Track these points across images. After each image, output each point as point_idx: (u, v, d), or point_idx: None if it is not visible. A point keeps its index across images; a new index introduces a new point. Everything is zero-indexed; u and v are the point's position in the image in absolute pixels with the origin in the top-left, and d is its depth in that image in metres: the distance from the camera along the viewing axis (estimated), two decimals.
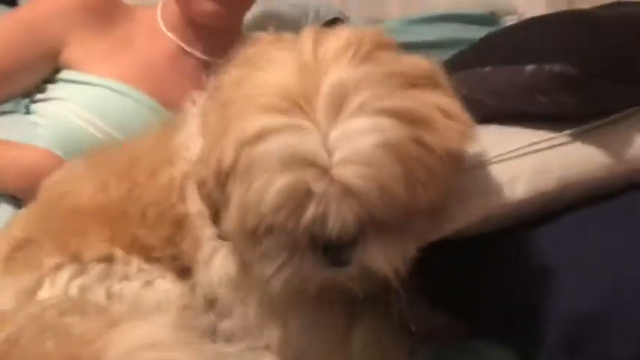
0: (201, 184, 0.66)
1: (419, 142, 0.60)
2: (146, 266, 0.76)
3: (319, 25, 1.71)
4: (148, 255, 0.77)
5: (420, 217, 0.63)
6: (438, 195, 0.62)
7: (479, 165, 0.73)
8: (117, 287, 0.74)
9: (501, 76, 0.80)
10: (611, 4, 1.01)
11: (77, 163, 0.89)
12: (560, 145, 0.76)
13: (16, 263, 0.77)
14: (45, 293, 0.74)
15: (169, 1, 1.18)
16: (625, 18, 0.82)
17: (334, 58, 0.62)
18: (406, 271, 0.63)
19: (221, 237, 0.69)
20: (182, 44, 1.18)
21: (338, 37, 0.64)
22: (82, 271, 0.75)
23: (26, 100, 1.19)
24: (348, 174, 0.56)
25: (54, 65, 1.16)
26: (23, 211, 0.88)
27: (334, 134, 0.58)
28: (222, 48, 1.12)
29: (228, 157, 0.61)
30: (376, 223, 0.60)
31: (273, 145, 0.58)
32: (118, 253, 0.77)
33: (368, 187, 0.57)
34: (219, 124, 0.64)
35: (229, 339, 0.73)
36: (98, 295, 0.74)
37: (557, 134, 0.77)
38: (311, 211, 0.57)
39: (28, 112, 1.17)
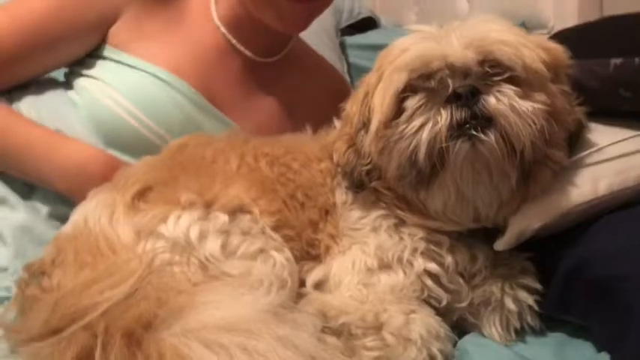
0: (343, 137, 0.82)
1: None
2: (272, 233, 0.76)
3: (353, 22, 1.75)
4: (283, 229, 0.78)
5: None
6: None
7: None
8: (234, 241, 0.73)
9: (584, 68, 0.81)
10: None
11: (218, 137, 0.93)
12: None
13: (145, 203, 0.76)
14: (167, 228, 0.73)
15: None
16: None
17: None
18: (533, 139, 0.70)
19: (358, 184, 0.80)
20: (233, 40, 1.10)
21: None
22: (206, 216, 0.74)
23: (66, 70, 1.13)
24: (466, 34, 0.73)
25: (102, 36, 1.07)
26: (132, 168, 0.87)
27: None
28: (273, 49, 1.13)
29: (373, 78, 0.79)
30: (504, 73, 0.71)
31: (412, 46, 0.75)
32: (254, 209, 0.77)
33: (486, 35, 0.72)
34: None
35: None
36: (213, 245, 0.72)
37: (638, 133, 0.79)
38: (438, 54, 0.71)
39: (67, 82, 1.10)
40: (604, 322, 0.70)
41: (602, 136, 0.80)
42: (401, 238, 0.78)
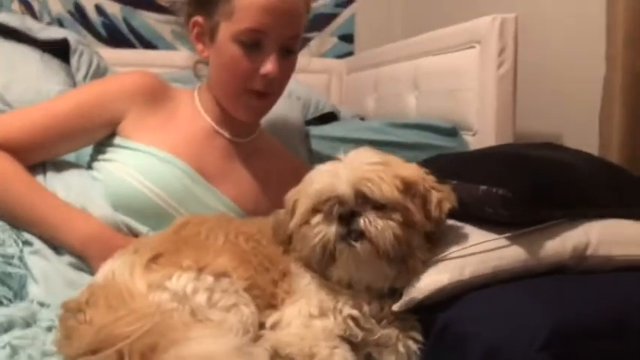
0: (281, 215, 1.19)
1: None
2: (243, 293, 1.08)
3: (317, 115, 2.12)
4: (253, 289, 1.09)
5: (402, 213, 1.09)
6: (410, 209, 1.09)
7: (442, 257, 1.13)
8: (216, 297, 1.05)
9: (463, 189, 1.18)
10: (545, 144, 1.43)
11: (204, 219, 1.24)
12: (496, 245, 1.14)
13: (156, 265, 1.07)
14: (171, 283, 1.03)
15: (206, 91, 1.50)
16: (551, 161, 1.22)
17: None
18: (392, 244, 1.06)
19: (285, 249, 1.16)
20: (215, 125, 1.47)
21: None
22: (198, 277, 1.06)
23: (87, 159, 1.49)
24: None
25: (110, 131, 1.42)
26: (149, 239, 1.21)
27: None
28: (245, 131, 1.55)
29: (298, 194, 1.14)
30: (373, 205, 1.07)
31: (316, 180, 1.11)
32: (233, 275, 1.09)
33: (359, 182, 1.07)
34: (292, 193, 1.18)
35: None
36: (201, 298, 1.02)
37: (496, 236, 1.15)
38: (330, 190, 1.08)
39: (90, 167, 1.45)
40: None
41: (472, 237, 1.16)
42: (336, 296, 1.11)
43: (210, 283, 1.06)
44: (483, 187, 1.15)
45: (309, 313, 1.09)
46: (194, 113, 1.48)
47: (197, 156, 1.42)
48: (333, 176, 1.09)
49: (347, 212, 1.06)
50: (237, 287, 1.08)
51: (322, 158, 1.82)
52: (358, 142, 1.82)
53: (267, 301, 1.12)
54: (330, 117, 2.20)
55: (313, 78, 2.66)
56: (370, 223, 1.06)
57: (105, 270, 1.12)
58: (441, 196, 1.14)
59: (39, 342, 1.00)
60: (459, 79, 2.00)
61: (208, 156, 1.44)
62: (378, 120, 2.18)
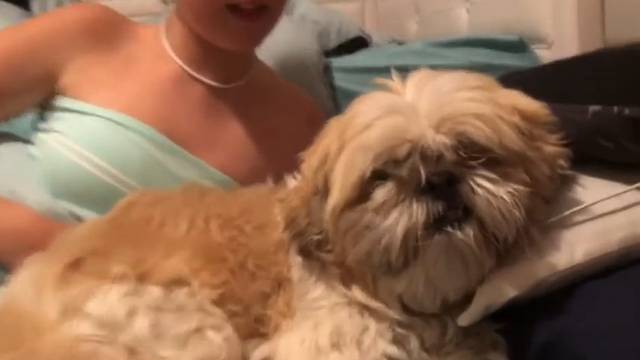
0: (299, 192, 0.75)
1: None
2: (210, 307, 0.72)
3: (342, 43, 1.72)
4: (227, 304, 0.74)
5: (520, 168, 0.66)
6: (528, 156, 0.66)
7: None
8: (167, 320, 0.69)
9: (561, 115, 0.73)
10: None
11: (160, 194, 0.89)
12: (624, 202, 0.71)
13: (78, 275, 0.72)
14: (93, 306, 0.69)
15: (175, 22, 1.12)
16: None
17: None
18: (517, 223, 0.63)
19: (304, 251, 0.73)
20: (189, 69, 1.11)
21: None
22: (137, 291, 0.70)
23: (27, 126, 1.14)
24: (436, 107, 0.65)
25: (50, 89, 1.09)
26: (71, 234, 0.84)
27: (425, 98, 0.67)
28: (233, 73, 1.13)
29: (334, 145, 0.70)
30: (480, 155, 0.64)
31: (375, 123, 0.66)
32: (193, 281, 0.73)
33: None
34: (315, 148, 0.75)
35: None
36: (141, 324, 0.68)
37: (623, 187, 0.72)
38: (407, 138, 0.64)
39: (29, 141, 1.11)
40: None
41: (581, 191, 0.73)
42: (364, 319, 0.71)
43: (155, 299, 0.71)
44: (596, 108, 0.72)
45: (316, 345, 0.70)
46: (161, 56, 1.13)
47: (166, 114, 1.08)
48: (406, 113, 0.65)
49: (444, 175, 0.63)
50: (201, 300, 0.72)
51: (351, 96, 1.45)
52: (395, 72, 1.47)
53: (251, 325, 0.75)
54: (358, 44, 1.79)
55: (341, 7, 2.30)
56: (483, 192, 0.62)
57: (8, 289, 0.76)
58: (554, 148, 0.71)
59: None
60: None
61: (182, 112, 1.10)
62: (420, 42, 1.76)
